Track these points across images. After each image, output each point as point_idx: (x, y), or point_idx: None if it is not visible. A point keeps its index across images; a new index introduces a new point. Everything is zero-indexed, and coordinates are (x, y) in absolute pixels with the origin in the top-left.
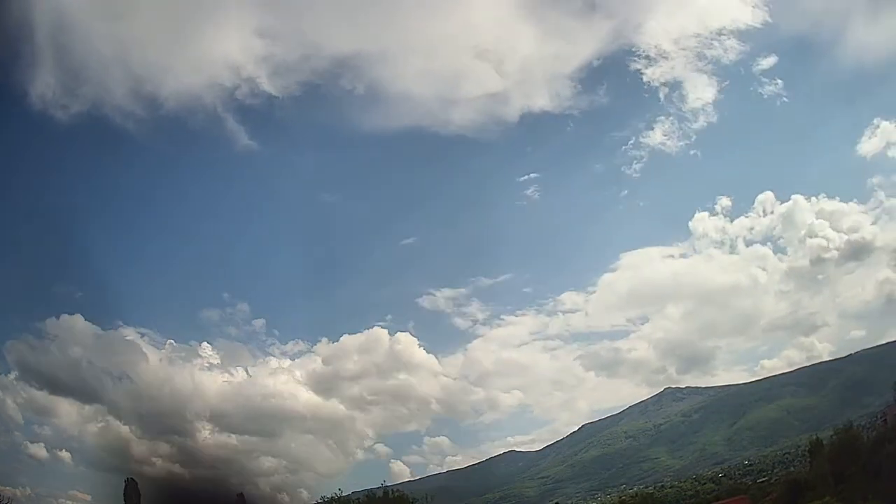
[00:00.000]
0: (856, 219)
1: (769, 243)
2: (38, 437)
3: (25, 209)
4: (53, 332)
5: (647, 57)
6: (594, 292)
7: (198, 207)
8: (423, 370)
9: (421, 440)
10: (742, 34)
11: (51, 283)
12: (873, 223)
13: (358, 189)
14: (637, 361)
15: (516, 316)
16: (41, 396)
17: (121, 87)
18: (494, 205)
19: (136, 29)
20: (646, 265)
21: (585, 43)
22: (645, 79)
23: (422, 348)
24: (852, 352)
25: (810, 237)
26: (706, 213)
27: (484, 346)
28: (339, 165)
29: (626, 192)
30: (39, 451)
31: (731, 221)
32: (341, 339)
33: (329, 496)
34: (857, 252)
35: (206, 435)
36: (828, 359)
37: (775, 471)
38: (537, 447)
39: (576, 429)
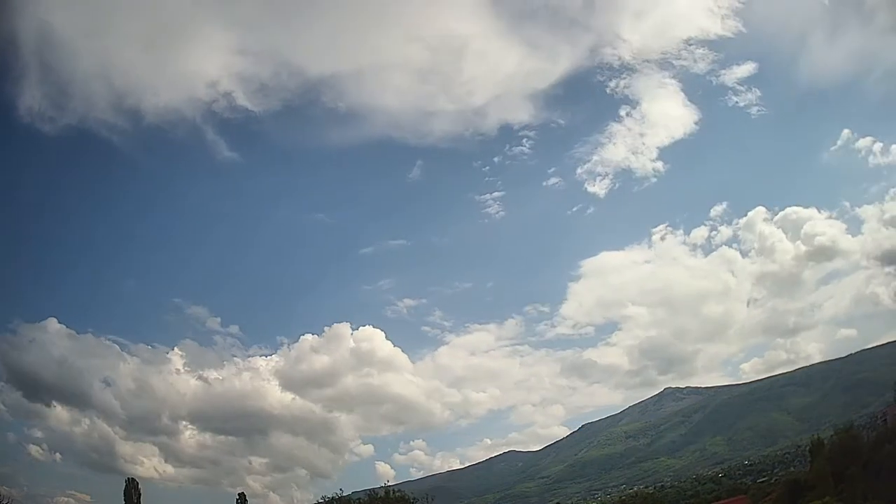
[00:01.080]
0: (824, 225)
1: (735, 247)
2: (29, 438)
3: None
4: (31, 336)
5: (612, 69)
6: (563, 301)
7: (171, 217)
8: (394, 366)
9: (399, 443)
10: (712, 44)
11: (23, 287)
12: (846, 231)
13: (324, 200)
14: (610, 367)
15: (480, 324)
16: (26, 399)
17: (104, 101)
18: (458, 217)
19: (118, 45)
20: (613, 273)
21: (558, 59)
22: (608, 91)
23: (388, 341)
24: (851, 352)
25: (779, 244)
26: (666, 226)
27: (451, 353)
28: (309, 177)
29: (592, 209)
30: (33, 452)
31: (701, 231)
32: (300, 338)
33: (331, 496)
34: (829, 257)
35: (188, 435)
36: (825, 359)
37: (775, 471)
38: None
39: (575, 429)
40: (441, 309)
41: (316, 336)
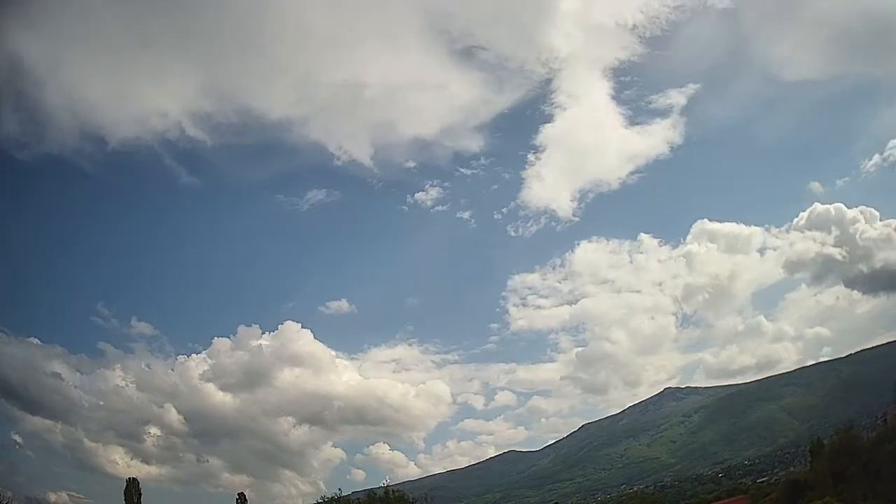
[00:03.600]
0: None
1: (668, 262)
2: (11, 442)
3: None
4: None
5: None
6: (494, 319)
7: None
8: (336, 371)
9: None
10: (638, 72)
11: None
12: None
13: (249, 222)
14: (547, 380)
15: (404, 339)
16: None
17: (72, 131)
18: (386, 243)
19: (84, 78)
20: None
21: (500, 94)
22: (534, 128)
23: (309, 332)
24: (852, 352)
25: (709, 263)
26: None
27: (378, 366)
28: (244, 202)
29: (516, 249)
30: (20, 454)
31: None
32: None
33: (329, 496)
34: (762, 270)
35: (154, 436)
36: (827, 359)
37: (775, 471)
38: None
39: (576, 429)
40: (368, 325)
41: (265, 334)
